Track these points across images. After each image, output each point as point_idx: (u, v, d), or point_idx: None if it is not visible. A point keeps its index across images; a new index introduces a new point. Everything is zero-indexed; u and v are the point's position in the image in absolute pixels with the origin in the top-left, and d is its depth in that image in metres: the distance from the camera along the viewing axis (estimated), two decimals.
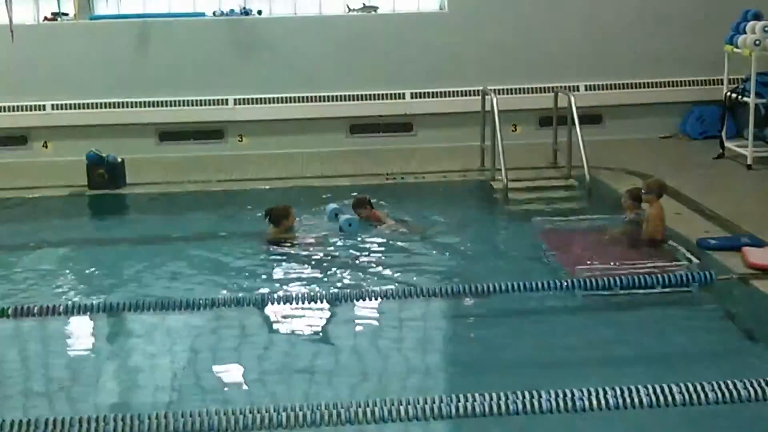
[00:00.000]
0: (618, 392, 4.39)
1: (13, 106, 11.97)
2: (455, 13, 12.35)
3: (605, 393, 4.40)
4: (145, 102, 12.07)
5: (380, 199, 9.51)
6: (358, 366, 5.47)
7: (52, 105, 12.00)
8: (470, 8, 12.28)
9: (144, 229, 8.92)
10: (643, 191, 7.55)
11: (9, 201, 9.97)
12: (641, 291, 6.27)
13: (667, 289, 6.27)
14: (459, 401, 4.27)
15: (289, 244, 7.86)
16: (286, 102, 12.19)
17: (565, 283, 6.34)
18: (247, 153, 12.13)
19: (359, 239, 8.02)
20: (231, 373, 5.44)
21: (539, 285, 6.19)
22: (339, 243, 7.99)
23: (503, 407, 4.26)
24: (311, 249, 7.81)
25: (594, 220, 8.23)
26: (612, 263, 6.73)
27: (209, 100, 12.15)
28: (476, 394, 4.30)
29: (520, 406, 4.27)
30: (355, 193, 8.95)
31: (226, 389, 5.23)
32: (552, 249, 7.56)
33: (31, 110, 12.00)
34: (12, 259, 7.82)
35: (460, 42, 12.27)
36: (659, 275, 6.30)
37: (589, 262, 6.77)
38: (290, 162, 11.48)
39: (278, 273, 7.29)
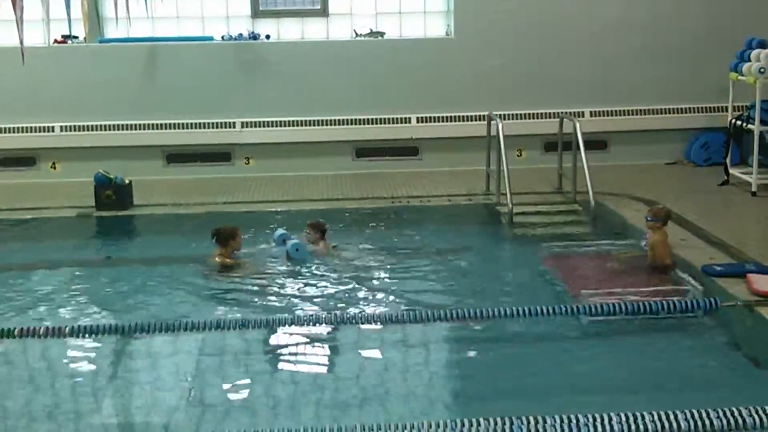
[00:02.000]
0: (623, 418, 4.41)
1: (22, 128, 12.07)
2: (461, 39, 12.45)
3: (610, 419, 4.42)
4: (152, 124, 12.16)
5: (385, 222, 9.57)
6: (361, 390, 5.45)
7: (61, 127, 12.09)
8: (476, 34, 12.38)
9: (150, 250, 8.94)
10: (648, 218, 7.60)
11: (17, 221, 10.02)
12: (646, 317, 6.28)
13: (672, 315, 6.29)
14: (464, 426, 4.28)
15: (237, 272, 7.84)
16: (293, 125, 12.27)
17: (570, 308, 6.35)
18: (253, 175, 12.21)
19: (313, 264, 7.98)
20: (235, 396, 5.44)
21: (544, 310, 6.20)
22: (305, 268, 7.92)
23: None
24: (262, 274, 7.79)
25: (599, 246, 8.25)
26: (617, 289, 6.74)
27: (217, 123, 12.24)
28: (481, 419, 4.31)
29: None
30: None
31: (230, 413, 5.22)
32: (557, 274, 7.58)
33: (39, 131, 12.09)
34: (19, 279, 7.84)
35: (466, 67, 12.37)
36: (664, 301, 6.31)
37: (594, 288, 6.78)
38: (296, 184, 11.55)
39: (236, 299, 7.23)
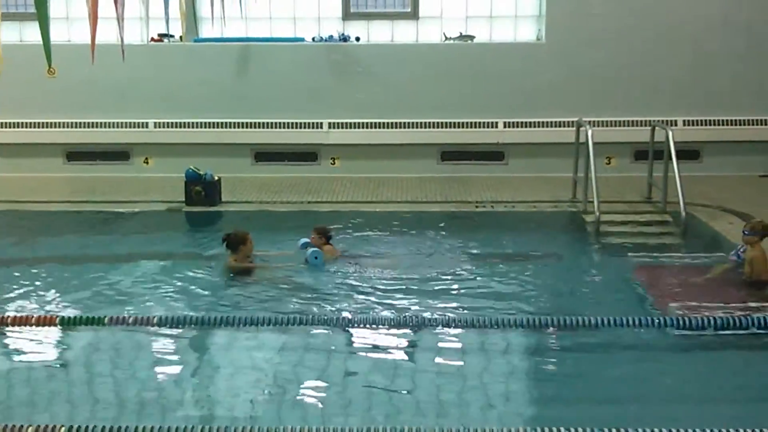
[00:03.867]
0: None
1: (118, 122, 12.45)
2: (552, 44, 12.33)
3: None
4: (242, 123, 12.39)
5: (469, 228, 9.53)
6: (439, 394, 5.43)
7: (155, 123, 12.43)
8: (567, 39, 12.25)
9: None
10: (745, 232, 7.38)
11: (110, 214, 10.33)
12: (736, 332, 6.10)
13: (762, 331, 6.08)
14: None
15: (252, 275, 7.80)
16: (380, 127, 12.35)
17: (657, 321, 6.22)
18: (339, 176, 12.33)
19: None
20: (313, 391, 5.47)
21: (630, 321, 6.09)
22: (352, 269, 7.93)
23: None
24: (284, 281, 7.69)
25: (690, 258, 8.05)
26: (707, 302, 6.56)
27: (304, 123, 12.40)
28: (562, 429, 4.25)
29: None
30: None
31: (308, 407, 5.26)
32: (645, 285, 7.42)
33: (134, 127, 12.46)
34: (110, 270, 8.06)
35: (556, 73, 12.24)
36: (755, 316, 6.12)
37: (683, 301, 6.62)
38: (381, 186, 11.61)
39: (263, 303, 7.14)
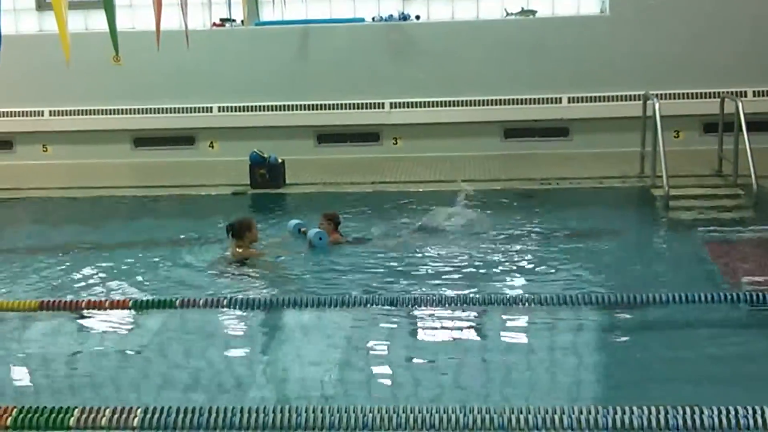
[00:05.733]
0: None
1: (183, 108, 12.62)
2: (617, 17, 12.10)
3: None
4: (304, 105, 12.45)
5: (535, 205, 9.44)
6: (509, 373, 5.41)
7: (219, 107, 12.56)
8: (633, 11, 12.00)
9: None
10: None
11: (177, 197, 10.50)
12: None
13: None
14: (617, 413, 4.17)
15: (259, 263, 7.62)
16: (442, 106, 12.28)
17: (730, 296, 6.08)
18: (401, 156, 12.31)
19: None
20: (383, 371, 5.50)
21: (701, 297, 5.97)
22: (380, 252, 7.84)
23: (663, 422, 4.12)
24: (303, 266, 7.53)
25: (763, 231, 7.86)
26: None
27: (366, 104, 12.40)
28: (635, 407, 4.19)
29: (681, 422, 4.12)
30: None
31: (378, 387, 5.29)
32: (716, 260, 7.27)
33: (199, 112, 12.61)
34: (179, 254, 8.19)
35: (621, 46, 12.02)
36: None
37: (756, 275, 6.47)
38: (444, 165, 11.56)
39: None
